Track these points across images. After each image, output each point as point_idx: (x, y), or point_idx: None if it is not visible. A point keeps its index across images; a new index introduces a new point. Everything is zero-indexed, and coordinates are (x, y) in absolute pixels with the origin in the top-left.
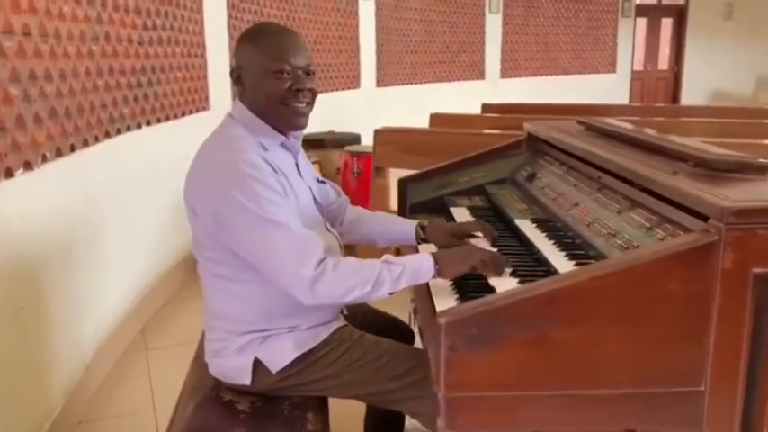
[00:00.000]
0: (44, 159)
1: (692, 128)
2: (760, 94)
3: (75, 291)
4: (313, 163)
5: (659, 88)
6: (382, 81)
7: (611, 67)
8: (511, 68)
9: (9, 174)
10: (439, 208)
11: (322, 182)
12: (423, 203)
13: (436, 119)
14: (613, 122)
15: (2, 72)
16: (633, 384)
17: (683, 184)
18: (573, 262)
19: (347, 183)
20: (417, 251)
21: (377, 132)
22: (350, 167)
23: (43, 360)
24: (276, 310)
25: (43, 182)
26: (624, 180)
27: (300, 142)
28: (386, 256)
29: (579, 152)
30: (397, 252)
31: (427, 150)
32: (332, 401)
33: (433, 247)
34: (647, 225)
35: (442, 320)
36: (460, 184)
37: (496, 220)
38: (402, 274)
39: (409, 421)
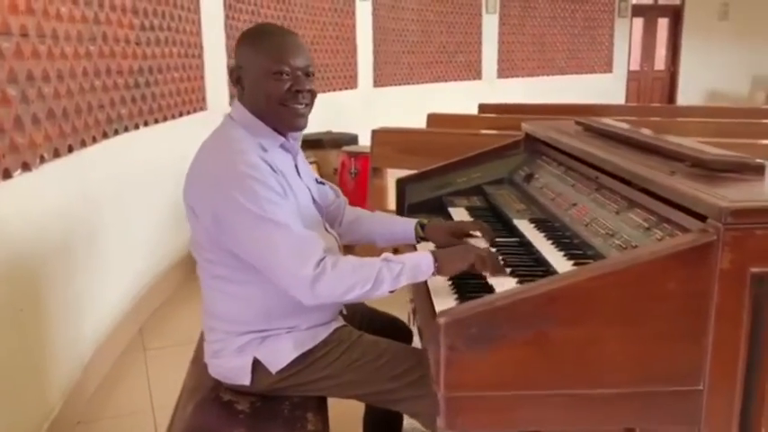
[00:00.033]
0: (42, 160)
1: (688, 128)
2: (756, 94)
3: (74, 291)
4: (311, 163)
5: (655, 88)
6: (379, 81)
7: (607, 67)
8: (508, 68)
9: (7, 175)
10: (437, 208)
11: (321, 183)
12: (421, 204)
13: (433, 119)
14: (610, 122)
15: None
16: (632, 384)
17: (681, 184)
18: (571, 262)
19: (344, 183)
20: (416, 250)
21: (374, 132)
22: (347, 168)
23: (42, 360)
24: (275, 310)
25: (41, 183)
26: (622, 180)
27: (300, 143)
28: (385, 255)
29: (577, 152)
30: (396, 251)
31: (425, 150)
32: (331, 401)
33: (431, 246)
34: (645, 225)
35: (442, 321)
36: (459, 184)
37: (495, 220)
38: (402, 272)
39: (408, 421)
